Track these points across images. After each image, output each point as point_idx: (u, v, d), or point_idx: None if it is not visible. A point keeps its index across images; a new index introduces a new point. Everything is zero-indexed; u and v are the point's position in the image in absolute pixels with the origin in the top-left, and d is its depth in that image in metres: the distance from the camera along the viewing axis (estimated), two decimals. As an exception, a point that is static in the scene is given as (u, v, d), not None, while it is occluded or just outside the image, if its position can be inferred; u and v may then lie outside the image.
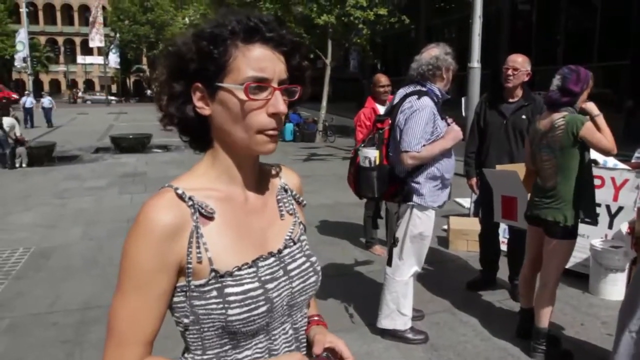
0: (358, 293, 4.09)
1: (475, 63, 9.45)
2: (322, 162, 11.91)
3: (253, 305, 0.88)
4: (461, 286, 4.24)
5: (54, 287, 4.29)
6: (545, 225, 2.98)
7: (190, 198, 0.89)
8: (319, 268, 1.02)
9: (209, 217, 0.90)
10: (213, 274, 0.88)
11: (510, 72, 3.73)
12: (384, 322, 3.29)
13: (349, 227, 5.93)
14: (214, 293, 0.87)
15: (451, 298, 4.04)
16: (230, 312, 0.87)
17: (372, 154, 3.04)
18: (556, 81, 2.87)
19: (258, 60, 0.87)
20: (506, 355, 3.11)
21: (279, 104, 0.87)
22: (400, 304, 3.23)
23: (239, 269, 0.90)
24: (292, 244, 1.00)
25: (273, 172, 1.07)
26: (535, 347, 3.04)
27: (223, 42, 0.86)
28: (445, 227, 5.57)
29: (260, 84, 0.87)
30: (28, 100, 22.47)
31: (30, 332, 3.50)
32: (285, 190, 1.06)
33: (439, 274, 4.49)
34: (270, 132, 0.89)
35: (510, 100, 3.85)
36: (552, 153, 2.90)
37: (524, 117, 3.76)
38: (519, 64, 3.73)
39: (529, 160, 3.16)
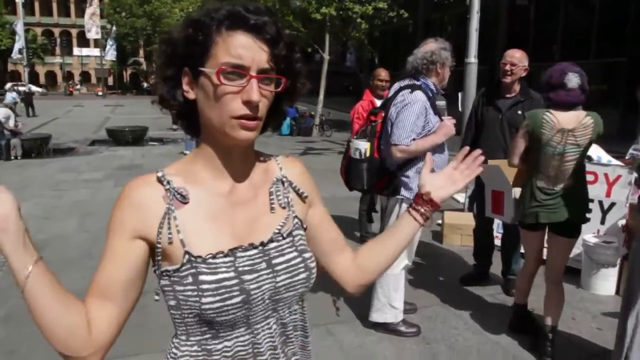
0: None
1: (473, 58, 9.43)
2: (318, 156, 11.91)
3: (226, 295, 0.88)
4: (454, 280, 4.27)
5: (49, 278, 4.29)
6: (558, 226, 2.91)
7: (168, 182, 0.93)
8: (312, 264, 1.00)
9: (183, 202, 0.92)
10: (187, 256, 0.89)
11: (508, 67, 3.73)
12: (375, 316, 3.31)
13: (345, 220, 5.93)
14: (190, 279, 0.89)
15: (444, 292, 4.07)
16: (203, 300, 0.88)
17: (362, 146, 3.05)
18: (576, 79, 2.75)
19: (236, 46, 0.87)
20: (498, 349, 3.14)
21: (253, 91, 0.87)
22: (391, 297, 3.25)
23: (214, 257, 0.90)
24: (280, 238, 0.98)
25: (272, 163, 1.06)
26: (545, 346, 3.01)
27: (208, 28, 0.88)
28: (440, 221, 5.60)
29: (236, 70, 0.87)
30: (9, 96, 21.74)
31: (25, 323, 3.51)
32: (283, 183, 1.04)
33: (433, 268, 4.52)
34: (245, 120, 0.89)
35: (507, 95, 3.85)
36: (579, 152, 2.82)
37: (520, 112, 3.74)
38: (517, 59, 3.74)
39: (522, 158, 2.99)
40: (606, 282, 3.98)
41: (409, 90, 3.05)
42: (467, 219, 5.40)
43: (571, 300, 3.80)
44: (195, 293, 0.88)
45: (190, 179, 0.95)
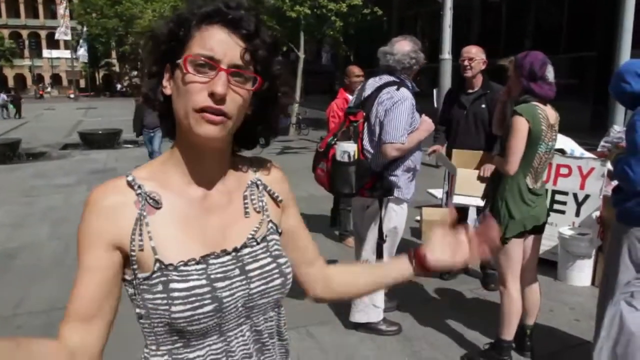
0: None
1: (447, 54, 9.55)
2: (295, 155, 11.86)
3: (197, 304, 0.85)
4: (434, 276, 4.28)
5: (19, 288, 4.15)
6: (542, 226, 2.83)
7: (139, 186, 0.89)
8: (288, 270, 0.97)
9: (155, 207, 0.89)
10: (158, 264, 0.86)
11: (466, 62, 3.86)
12: (358, 316, 3.29)
13: (323, 219, 5.91)
14: (160, 287, 0.86)
15: (424, 289, 4.08)
16: (173, 308, 0.85)
17: (350, 148, 2.94)
18: (553, 71, 2.64)
19: (210, 39, 0.86)
20: (479, 345, 3.15)
21: (218, 83, 0.83)
22: (373, 297, 3.22)
23: (185, 264, 0.87)
24: (254, 243, 0.95)
25: (246, 166, 1.02)
26: (524, 341, 3.00)
27: (187, 23, 0.87)
28: (418, 217, 5.61)
29: (207, 62, 0.84)
30: None
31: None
32: (257, 186, 1.00)
33: (413, 265, 4.51)
34: (208, 113, 0.84)
35: (470, 90, 3.96)
36: (554, 146, 2.75)
37: (483, 106, 3.87)
38: (473, 53, 3.86)
39: (516, 159, 2.63)
40: (582, 274, 4.04)
41: (395, 87, 3.01)
42: (446, 215, 5.42)
43: (548, 293, 3.84)
44: (165, 302, 0.85)
45: (161, 183, 0.91)
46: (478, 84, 3.91)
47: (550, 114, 2.65)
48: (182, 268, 0.87)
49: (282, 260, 0.97)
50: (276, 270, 0.95)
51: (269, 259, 0.95)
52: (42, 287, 4.16)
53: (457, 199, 3.75)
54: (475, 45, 4.04)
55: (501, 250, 2.75)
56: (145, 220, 0.87)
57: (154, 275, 0.86)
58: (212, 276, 0.88)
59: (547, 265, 4.20)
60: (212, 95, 0.84)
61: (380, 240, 3.07)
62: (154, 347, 0.91)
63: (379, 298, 3.26)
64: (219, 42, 0.86)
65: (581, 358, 2.86)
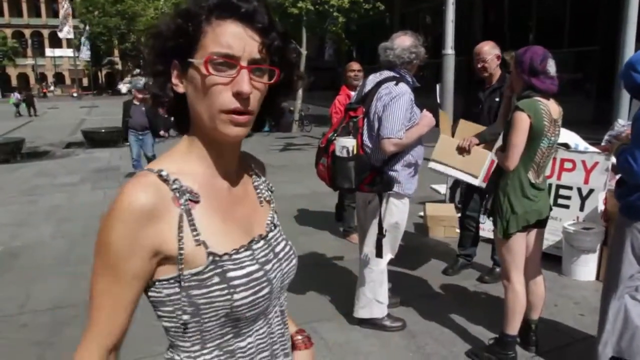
0: (335, 282, 4.09)
1: (449, 50, 9.50)
2: (299, 151, 11.86)
3: (257, 287, 0.88)
4: (437, 272, 4.27)
5: (24, 287, 4.17)
6: (545, 220, 2.82)
7: (174, 181, 0.85)
8: (294, 249, 1.04)
9: (195, 201, 0.87)
10: (211, 257, 0.84)
11: (480, 64, 3.84)
12: (362, 312, 3.29)
13: (327, 215, 5.91)
14: (216, 279, 0.84)
15: (427, 284, 4.07)
16: (236, 296, 0.85)
17: (349, 144, 2.93)
18: (554, 66, 2.61)
19: (226, 35, 0.83)
20: (483, 339, 3.14)
21: (243, 82, 0.82)
22: (377, 293, 3.22)
23: (237, 252, 0.88)
24: (274, 227, 1.01)
25: (244, 159, 1.05)
26: (529, 336, 3.00)
27: (197, 17, 0.84)
28: (422, 213, 5.60)
29: (226, 60, 0.82)
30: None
31: (-1, 334, 3.40)
32: (259, 177, 1.06)
33: (416, 261, 4.51)
34: (235, 114, 0.84)
35: (488, 85, 3.95)
36: (557, 141, 2.74)
37: (497, 99, 3.85)
38: (486, 52, 3.83)
39: (517, 155, 2.62)
40: (586, 268, 4.03)
41: (393, 82, 3.01)
42: (449, 211, 5.42)
43: (553, 287, 3.83)
44: (226, 292, 0.84)
45: (192, 177, 0.89)
46: (496, 78, 3.89)
47: (553, 108, 2.63)
48: (235, 256, 0.87)
49: (290, 242, 1.04)
50: (291, 252, 1.02)
51: (284, 242, 1.02)
52: (47, 285, 4.18)
53: (432, 165, 3.67)
54: (482, 40, 4.01)
55: (504, 244, 2.75)
56: (191, 216, 0.85)
57: (207, 269, 0.84)
58: (260, 260, 0.91)
59: (551, 260, 4.19)
60: (237, 95, 0.83)
61: (380, 235, 3.07)
62: (197, 348, 0.88)
63: (383, 293, 3.25)
64: (236, 38, 0.83)
65: (586, 352, 2.85)
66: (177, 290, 0.84)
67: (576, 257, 4.04)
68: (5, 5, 63.62)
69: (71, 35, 45.13)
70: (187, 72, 0.86)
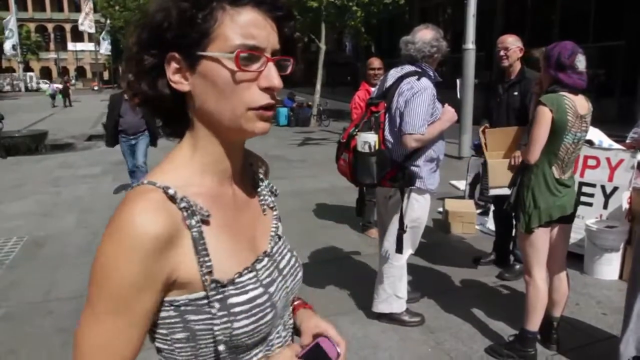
0: (354, 276, 4.10)
1: (470, 44, 9.39)
2: (317, 146, 11.86)
3: (260, 314, 0.79)
4: (456, 268, 4.25)
5: (49, 275, 4.27)
6: (571, 215, 2.76)
7: (182, 199, 0.75)
8: (300, 262, 0.95)
9: (205, 221, 0.77)
10: (213, 284, 0.76)
11: (502, 52, 3.86)
12: (381, 307, 3.29)
13: (345, 210, 5.91)
14: (216, 305, 0.75)
15: (447, 280, 4.06)
16: (236, 324, 0.76)
17: (371, 139, 2.92)
18: (584, 61, 2.56)
19: (249, 25, 0.74)
20: (503, 336, 3.12)
21: (274, 77, 0.76)
22: (396, 288, 3.22)
23: (240, 275, 0.79)
24: (278, 240, 0.92)
25: (245, 159, 0.95)
26: (551, 334, 2.97)
27: (208, 4, 0.74)
28: (441, 209, 5.57)
29: (252, 53, 0.74)
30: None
31: (26, 322, 3.49)
32: (262, 181, 0.96)
33: (435, 256, 4.49)
34: (263, 110, 0.77)
35: (507, 79, 3.93)
36: (584, 139, 2.70)
37: (515, 93, 3.86)
38: (510, 42, 3.86)
39: (538, 148, 2.61)
40: (609, 267, 3.96)
41: (415, 77, 2.99)
42: (468, 207, 5.38)
43: (575, 286, 3.78)
44: (225, 319, 0.75)
45: (196, 190, 0.78)
46: (515, 72, 3.89)
47: (580, 104, 2.60)
48: (237, 280, 0.78)
49: (295, 253, 0.95)
50: (297, 264, 0.93)
51: (289, 254, 0.93)
52: (70, 274, 4.26)
53: (493, 192, 3.77)
54: (507, 33, 4.03)
55: (527, 239, 2.72)
56: (202, 240, 0.75)
57: (210, 294, 0.75)
58: (264, 282, 0.82)
59: (573, 258, 4.12)
60: (267, 90, 0.76)
61: (401, 230, 3.06)
62: None
63: (402, 289, 3.25)
64: (259, 28, 0.75)
65: (608, 352, 2.81)
66: (173, 314, 0.76)
67: (599, 255, 3.97)
68: (29, 0, 64.71)
69: (92, 30, 45.74)
70: (196, 67, 0.75)
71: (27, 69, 57.94)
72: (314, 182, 7.58)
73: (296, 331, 0.97)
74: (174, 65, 0.76)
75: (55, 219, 6.07)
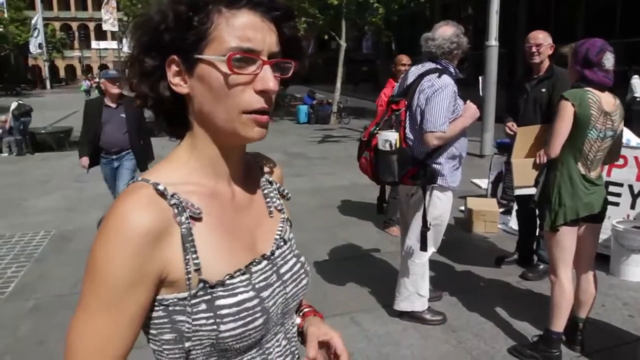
0: (375, 274, 4.09)
1: (493, 41, 9.27)
2: (337, 143, 11.85)
3: (249, 319, 0.77)
4: (478, 267, 4.21)
5: (76, 269, 4.35)
6: (600, 214, 2.72)
7: (173, 195, 0.75)
8: (308, 268, 0.93)
9: (196, 218, 0.77)
10: (201, 284, 0.75)
11: (534, 48, 3.78)
12: (403, 305, 3.28)
13: (366, 207, 5.91)
14: (203, 306, 0.75)
15: (469, 278, 4.03)
16: (222, 327, 0.75)
17: (392, 137, 2.91)
18: (613, 59, 2.53)
19: (244, 28, 0.74)
20: (526, 336, 3.09)
21: (269, 79, 0.75)
22: (418, 286, 3.21)
23: (231, 277, 0.78)
24: (282, 243, 0.90)
25: (255, 162, 0.95)
26: (575, 335, 2.93)
27: (204, 7, 0.73)
28: (463, 208, 5.53)
29: (247, 55, 0.74)
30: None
31: (53, 313, 3.58)
32: (270, 183, 0.95)
33: (457, 255, 4.46)
34: (258, 114, 0.76)
35: (535, 76, 3.88)
36: (613, 137, 2.63)
37: (543, 90, 3.79)
38: (541, 39, 3.80)
39: (558, 143, 2.61)
40: (636, 269, 3.88)
41: (436, 75, 2.97)
42: (490, 205, 5.33)
43: (600, 287, 3.69)
44: (212, 321, 0.74)
45: (191, 188, 0.79)
46: (544, 68, 3.84)
47: (606, 100, 2.56)
48: (228, 282, 0.77)
49: (302, 259, 0.93)
50: (302, 270, 0.91)
51: (295, 259, 0.91)
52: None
53: (519, 192, 3.72)
54: (528, 32, 3.95)
55: (553, 238, 2.69)
56: (191, 236, 0.75)
57: (197, 295, 0.75)
58: (257, 286, 0.80)
59: (599, 259, 4.02)
60: (262, 93, 0.75)
61: (424, 228, 3.04)
62: None
63: (424, 287, 3.24)
64: (255, 30, 0.74)
65: (635, 355, 2.76)
66: (162, 314, 0.76)
67: (625, 256, 3.90)
68: (54, -1, 66.05)
69: (115, 28, 46.42)
70: (194, 70, 0.75)
71: (52, 67, 59.15)
72: (334, 179, 7.59)
73: (301, 336, 0.96)
74: (174, 68, 0.77)
75: (80, 214, 6.20)
